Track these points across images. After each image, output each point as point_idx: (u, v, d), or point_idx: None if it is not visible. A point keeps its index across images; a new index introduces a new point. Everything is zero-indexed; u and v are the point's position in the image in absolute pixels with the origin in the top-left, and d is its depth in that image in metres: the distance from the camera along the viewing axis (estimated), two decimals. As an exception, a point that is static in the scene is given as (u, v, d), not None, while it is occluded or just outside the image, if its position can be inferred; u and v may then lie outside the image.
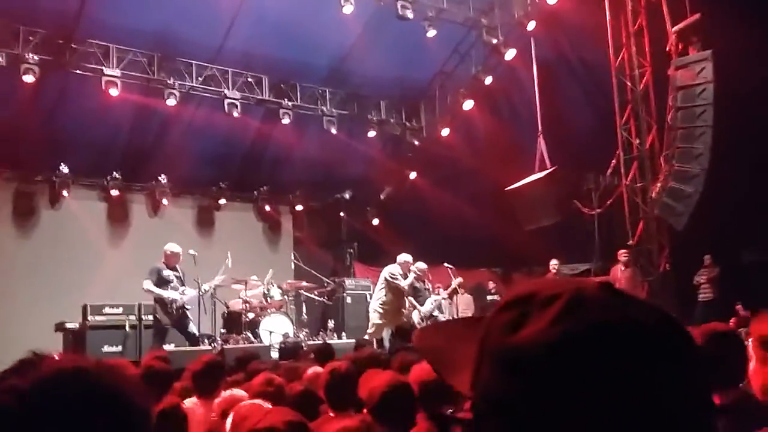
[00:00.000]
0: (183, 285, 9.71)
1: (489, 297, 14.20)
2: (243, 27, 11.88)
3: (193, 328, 9.79)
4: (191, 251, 10.27)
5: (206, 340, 10.46)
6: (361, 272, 15.86)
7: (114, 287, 12.10)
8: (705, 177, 10.37)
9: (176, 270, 9.67)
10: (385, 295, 10.35)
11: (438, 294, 11.27)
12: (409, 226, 14.80)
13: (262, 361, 5.45)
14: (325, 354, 6.10)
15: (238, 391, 4.10)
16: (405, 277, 10.29)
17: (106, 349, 10.42)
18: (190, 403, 4.03)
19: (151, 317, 10.97)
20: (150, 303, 11.03)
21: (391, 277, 10.30)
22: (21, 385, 0.91)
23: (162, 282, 9.42)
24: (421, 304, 10.67)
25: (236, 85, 12.80)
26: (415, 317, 10.67)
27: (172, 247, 9.72)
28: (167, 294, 9.39)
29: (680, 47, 10.62)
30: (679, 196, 10.67)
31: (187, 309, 9.70)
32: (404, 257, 10.41)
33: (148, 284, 9.39)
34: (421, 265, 10.51)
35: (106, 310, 10.84)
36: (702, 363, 0.69)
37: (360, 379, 3.20)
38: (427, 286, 11.64)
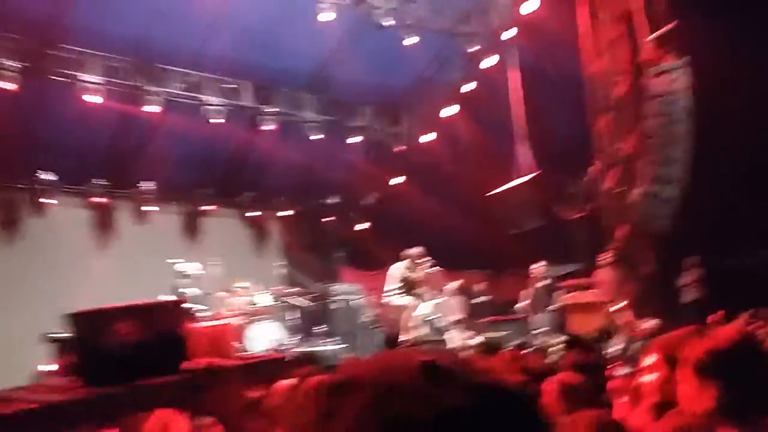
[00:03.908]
0: None
1: (474, 300, 14.19)
2: (223, 33, 11.84)
3: None
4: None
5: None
6: (350, 277, 15.82)
7: (99, 296, 11.98)
8: (685, 182, 10.43)
9: None
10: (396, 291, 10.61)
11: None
12: (396, 231, 14.78)
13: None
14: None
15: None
16: (412, 270, 10.53)
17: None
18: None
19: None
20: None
21: (399, 272, 10.47)
22: None
23: None
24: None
25: (217, 91, 12.77)
26: (412, 322, 10.77)
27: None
28: None
29: (657, 55, 10.66)
30: (659, 200, 10.73)
31: None
32: (409, 252, 10.64)
33: None
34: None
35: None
36: None
37: None
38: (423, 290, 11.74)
